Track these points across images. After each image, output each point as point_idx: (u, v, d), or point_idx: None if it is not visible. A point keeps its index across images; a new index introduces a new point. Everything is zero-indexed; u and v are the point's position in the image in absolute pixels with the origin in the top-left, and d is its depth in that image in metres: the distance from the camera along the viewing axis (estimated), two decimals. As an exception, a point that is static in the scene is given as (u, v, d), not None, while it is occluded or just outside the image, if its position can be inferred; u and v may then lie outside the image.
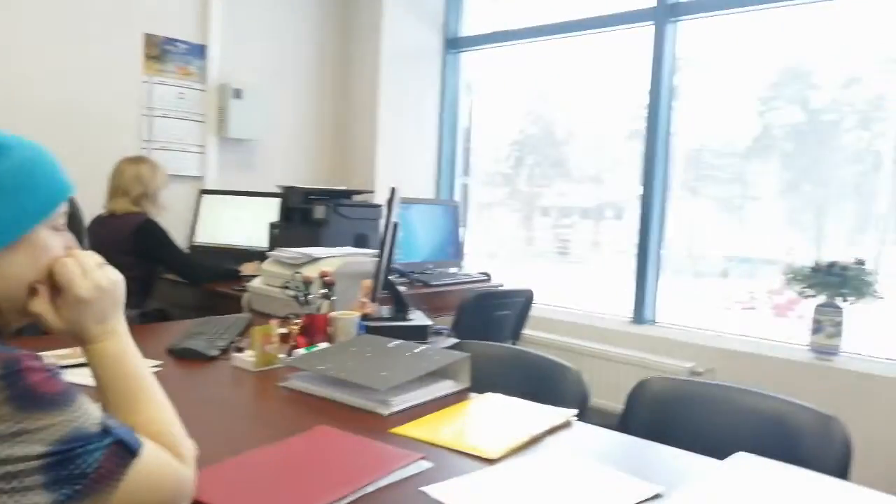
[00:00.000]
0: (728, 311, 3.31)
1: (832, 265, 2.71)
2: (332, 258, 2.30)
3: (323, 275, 1.95)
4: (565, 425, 1.34)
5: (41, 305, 0.84)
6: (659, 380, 1.65)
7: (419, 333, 2.02)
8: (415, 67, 4.16)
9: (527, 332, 3.26)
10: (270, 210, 3.31)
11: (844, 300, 2.70)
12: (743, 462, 1.16)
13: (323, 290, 1.90)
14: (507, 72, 4.19)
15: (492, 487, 1.05)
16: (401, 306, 2.14)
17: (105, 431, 0.74)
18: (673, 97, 3.34)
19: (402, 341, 1.65)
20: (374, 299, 2.06)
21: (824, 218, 3.09)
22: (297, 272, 2.04)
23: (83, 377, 1.35)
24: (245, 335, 1.86)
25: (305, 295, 1.87)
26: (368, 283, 2.07)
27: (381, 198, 3.26)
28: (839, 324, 2.72)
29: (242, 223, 3.51)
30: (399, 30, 4.06)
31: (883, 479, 1.51)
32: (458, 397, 1.48)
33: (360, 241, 3.06)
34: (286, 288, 1.93)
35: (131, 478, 0.75)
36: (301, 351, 1.69)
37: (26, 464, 0.68)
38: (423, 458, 1.12)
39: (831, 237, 3.05)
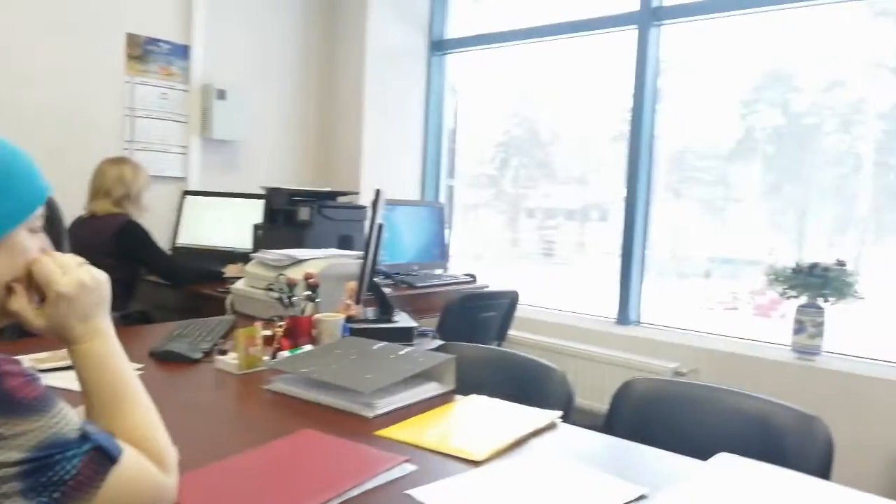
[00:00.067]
0: (711, 312, 3.34)
1: (814, 266, 2.74)
2: (316, 260, 2.29)
3: (307, 276, 1.94)
4: (550, 427, 1.35)
5: (18, 303, 0.83)
6: (643, 381, 1.66)
7: (404, 335, 2.02)
8: (400, 69, 4.15)
9: (512, 333, 3.27)
10: (254, 211, 3.29)
11: (826, 301, 2.73)
12: (726, 462, 1.16)
13: (307, 292, 1.90)
14: (493, 74, 4.19)
15: (477, 489, 1.05)
16: (386, 308, 2.13)
17: (84, 437, 0.73)
18: (657, 100, 3.36)
19: (386, 343, 1.65)
20: (358, 301, 2.05)
21: (805, 219, 3.12)
22: (282, 274, 2.03)
23: (62, 381, 1.33)
24: (228, 337, 1.85)
25: (289, 297, 1.86)
26: (353, 284, 2.07)
27: (365, 199, 3.26)
28: (821, 324, 2.75)
29: (226, 225, 3.48)
30: (384, 31, 4.05)
31: (864, 479, 1.52)
32: (443, 399, 1.48)
33: (345, 243, 3.05)
34: (270, 290, 1.92)
35: (110, 484, 0.74)
36: (285, 353, 1.68)
37: (4, 470, 0.67)
38: (408, 461, 1.11)
39: (812, 238, 3.08)
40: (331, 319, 1.81)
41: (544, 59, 3.92)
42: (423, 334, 2.25)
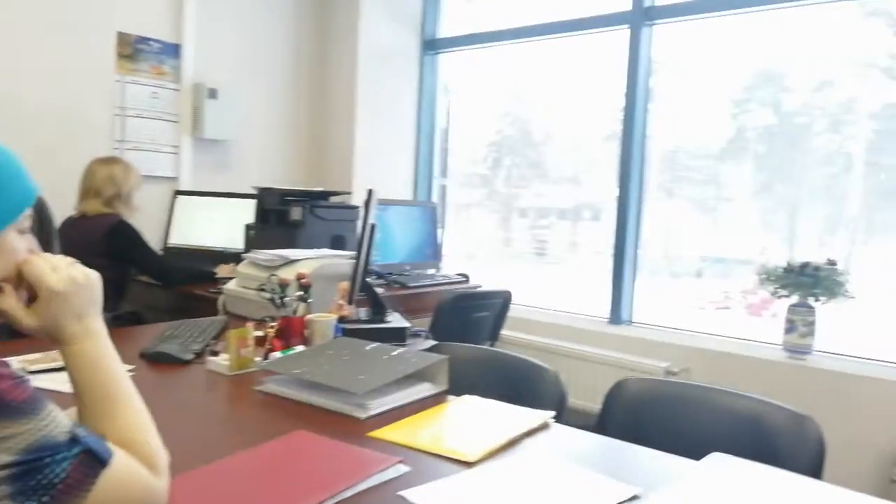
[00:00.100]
0: (703, 311, 3.35)
1: (805, 266, 2.75)
2: (308, 260, 2.29)
3: (299, 277, 1.93)
4: (543, 427, 1.35)
5: (7, 302, 0.83)
6: (636, 381, 1.67)
7: (397, 336, 2.02)
8: (392, 68, 4.15)
9: (505, 332, 3.27)
10: (246, 211, 3.27)
11: (817, 300, 2.75)
12: (718, 462, 1.17)
13: (299, 293, 1.89)
14: (485, 73, 4.19)
15: (470, 490, 1.05)
16: (378, 308, 2.13)
17: (74, 440, 0.73)
18: (648, 100, 3.37)
19: (379, 344, 1.64)
20: (351, 301, 2.05)
21: (796, 219, 3.14)
22: (273, 274, 2.02)
23: (52, 383, 1.32)
24: (220, 338, 1.84)
25: (282, 297, 1.86)
26: (345, 285, 2.06)
27: (358, 199, 3.25)
28: (812, 323, 2.76)
29: (217, 224, 3.47)
30: (376, 30, 4.05)
31: (855, 478, 1.53)
32: (435, 400, 1.48)
33: (337, 243, 3.04)
34: (262, 290, 1.91)
35: (100, 488, 0.73)
36: (277, 354, 1.67)
37: (-8, 474, 0.66)
38: (400, 462, 1.11)
39: (803, 238, 3.09)
40: (323, 320, 1.80)
41: (536, 58, 3.93)
42: (415, 334, 2.25)
